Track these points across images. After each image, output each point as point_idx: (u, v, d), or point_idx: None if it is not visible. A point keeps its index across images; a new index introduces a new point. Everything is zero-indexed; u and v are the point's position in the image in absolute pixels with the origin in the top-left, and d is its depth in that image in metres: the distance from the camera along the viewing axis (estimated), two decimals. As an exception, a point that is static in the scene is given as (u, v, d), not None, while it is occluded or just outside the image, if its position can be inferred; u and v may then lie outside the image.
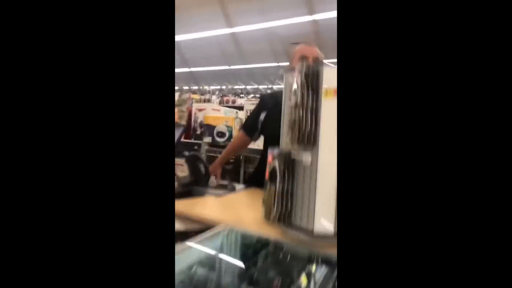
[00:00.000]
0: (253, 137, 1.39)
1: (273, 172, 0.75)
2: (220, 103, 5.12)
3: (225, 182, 1.40)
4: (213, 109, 2.30)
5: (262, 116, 1.30)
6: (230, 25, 5.92)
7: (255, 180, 1.30)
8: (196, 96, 4.51)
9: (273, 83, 5.93)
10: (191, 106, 2.13)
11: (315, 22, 5.59)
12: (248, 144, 1.47)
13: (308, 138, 0.73)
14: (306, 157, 0.74)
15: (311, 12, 5.30)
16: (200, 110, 2.13)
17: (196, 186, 1.16)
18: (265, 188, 0.78)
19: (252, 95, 5.45)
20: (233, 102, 4.95)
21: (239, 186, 1.35)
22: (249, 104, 1.92)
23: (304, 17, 5.44)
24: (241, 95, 5.51)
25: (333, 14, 5.13)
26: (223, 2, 5.14)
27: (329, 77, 0.75)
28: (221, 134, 1.89)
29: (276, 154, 0.76)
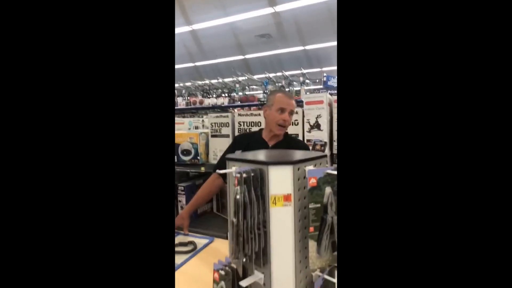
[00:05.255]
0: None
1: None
2: (187, 104, 4.98)
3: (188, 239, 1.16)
4: (175, 124, 2.23)
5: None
6: (189, 22, 5.72)
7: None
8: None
9: (238, 76, 5.87)
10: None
11: (276, 13, 5.54)
12: (221, 186, 1.36)
13: (258, 256, 0.63)
14: (257, 278, 0.64)
15: (272, 4, 5.24)
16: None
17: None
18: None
19: (220, 90, 5.36)
20: (201, 103, 4.82)
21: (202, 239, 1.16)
22: (212, 117, 1.87)
23: (265, 9, 5.37)
24: (210, 93, 5.38)
25: (294, 5, 5.12)
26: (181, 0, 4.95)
27: (278, 179, 0.63)
28: (186, 152, 1.83)
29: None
